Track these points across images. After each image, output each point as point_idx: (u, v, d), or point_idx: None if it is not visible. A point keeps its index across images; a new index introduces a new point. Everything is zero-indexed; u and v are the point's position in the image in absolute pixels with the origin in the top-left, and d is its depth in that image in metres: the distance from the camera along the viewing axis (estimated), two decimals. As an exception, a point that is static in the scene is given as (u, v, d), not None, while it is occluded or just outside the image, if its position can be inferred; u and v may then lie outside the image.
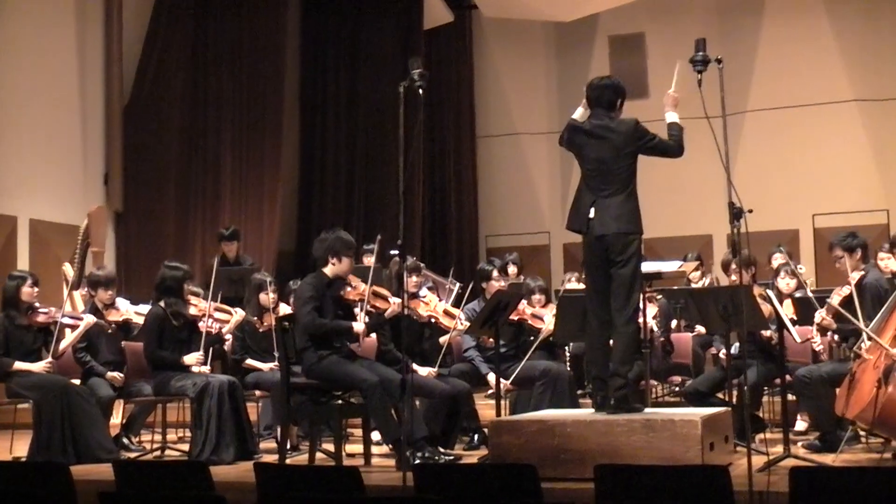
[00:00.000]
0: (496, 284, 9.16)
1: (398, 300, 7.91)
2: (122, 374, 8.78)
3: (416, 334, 8.69)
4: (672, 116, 7.09)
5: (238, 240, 12.07)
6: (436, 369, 8.54)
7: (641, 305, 7.70)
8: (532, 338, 9.10)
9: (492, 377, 8.56)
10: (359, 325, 7.84)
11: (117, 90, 13.90)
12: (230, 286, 10.78)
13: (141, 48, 14.35)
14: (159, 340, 8.47)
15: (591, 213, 6.93)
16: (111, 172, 13.88)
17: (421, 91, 6.80)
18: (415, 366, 8.22)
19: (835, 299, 7.52)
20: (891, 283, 7.72)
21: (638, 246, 6.96)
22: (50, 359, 8.41)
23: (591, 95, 7.14)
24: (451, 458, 7.67)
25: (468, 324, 8.72)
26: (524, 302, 9.10)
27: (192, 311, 8.69)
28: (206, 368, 8.56)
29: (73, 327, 8.58)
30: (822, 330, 7.86)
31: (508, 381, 8.62)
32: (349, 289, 7.96)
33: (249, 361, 9.22)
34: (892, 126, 15.66)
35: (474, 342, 8.93)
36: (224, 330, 8.90)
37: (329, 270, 7.87)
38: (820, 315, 7.69)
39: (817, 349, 8.29)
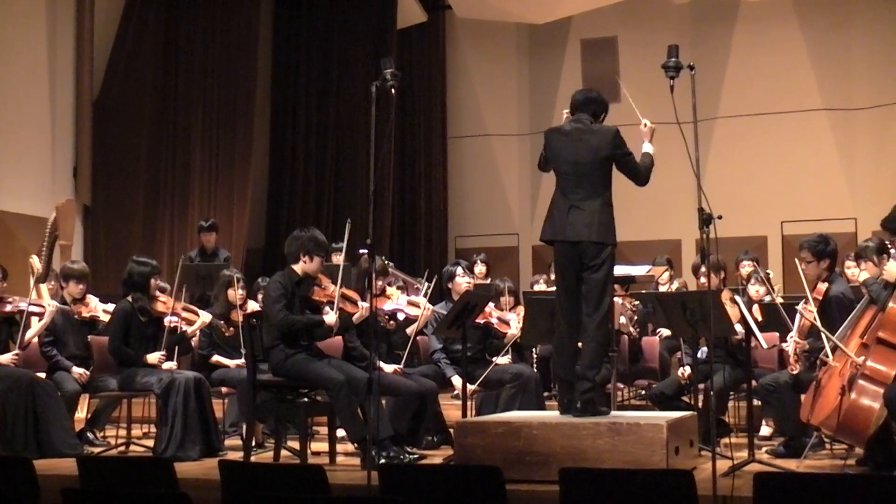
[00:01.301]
0: (461, 282, 9.14)
1: (366, 304, 7.89)
2: (87, 371, 8.75)
3: (382, 331, 8.69)
4: (648, 147, 7.17)
5: (217, 231, 12.30)
6: (401, 367, 8.53)
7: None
8: (497, 340, 9.10)
9: (457, 380, 8.56)
10: (330, 318, 7.80)
11: (88, 84, 13.81)
12: (197, 283, 10.75)
13: (112, 43, 14.27)
14: (125, 336, 8.43)
15: (568, 219, 6.93)
16: (80, 166, 13.79)
17: (393, 91, 6.78)
18: (381, 363, 8.22)
19: (808, 315, 7.52)
20: (856, 294, 7.74)
21: (611, 252, 6.96)
22: (17, 350, 8.37)
23: (575, 100, 7.19)
24: (416, 456, 7.67)
25: (436, 309, 8.73)
26: (491, 304, 9.08)
27: (160, 307, 8.65)
28: (172, 364, 8.52)
29: (39, 315, 8.53)
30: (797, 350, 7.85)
31: (475, 385, 8.61)
32: (318, 289, 7.95)
33: (216, 358, 9.19)
34: (860, 136, 15.75)
35: (441, 344, 8.92)
36: (189, 331, 8.86)
37: (298, 268, 7.85)
38: (793, 341, 7.70)
39: (792, 360, 8.26)
